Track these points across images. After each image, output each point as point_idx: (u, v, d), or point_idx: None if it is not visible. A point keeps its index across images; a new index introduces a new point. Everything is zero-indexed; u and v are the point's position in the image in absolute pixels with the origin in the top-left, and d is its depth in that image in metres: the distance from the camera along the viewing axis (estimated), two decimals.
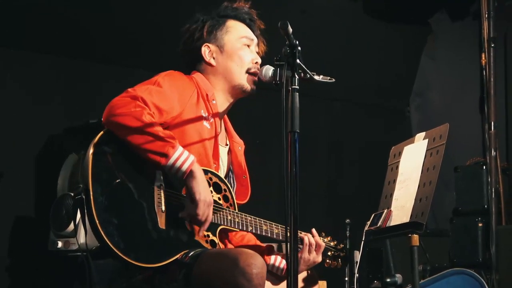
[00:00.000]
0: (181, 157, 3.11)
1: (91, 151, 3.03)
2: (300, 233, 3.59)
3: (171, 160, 3.10)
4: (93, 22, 5.22)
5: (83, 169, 3.03)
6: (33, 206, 5.03)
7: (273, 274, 3.66)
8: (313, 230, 3.64)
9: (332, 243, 3.77)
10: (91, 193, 2.97)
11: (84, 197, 2.98)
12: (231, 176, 3.61)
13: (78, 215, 3.06)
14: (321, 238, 3.66)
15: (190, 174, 3.13)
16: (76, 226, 3.34)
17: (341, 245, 3.80)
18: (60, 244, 4.51)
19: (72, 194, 3.10)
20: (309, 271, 3.69)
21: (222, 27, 3.57)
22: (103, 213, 2.97)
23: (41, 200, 4.99)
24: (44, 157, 5.06)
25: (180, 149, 3.13)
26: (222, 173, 3.51)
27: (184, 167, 3.12)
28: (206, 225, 3.18)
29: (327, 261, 3.76)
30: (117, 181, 3.07)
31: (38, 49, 5.18)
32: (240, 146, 3.66)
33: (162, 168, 3.14)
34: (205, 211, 3.15)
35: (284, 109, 2.87)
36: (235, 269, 2.93)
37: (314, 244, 3.59)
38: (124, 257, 2.96)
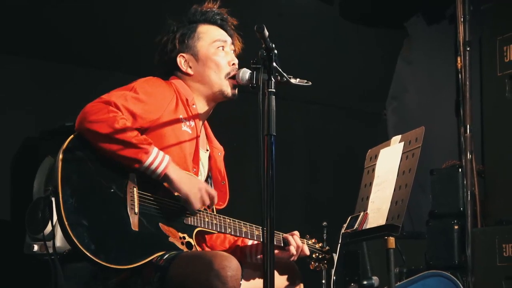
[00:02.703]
0: (155, 161, 3.13)
1: (60, 156, 3.02)
2: (281, 234, 3.56)
3: (145, 165, 3.11)
4: (69, 24, 5.20)
5: (53, 172, 3.02)
6: (9, 209, 4.99)
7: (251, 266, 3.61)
8: (296, 232, 3.61)
9: (317, 245, 3.73)
10: (60, 195, 2.96)
11: (53, 199, 2.97)
12: (209, 182, 3.60)
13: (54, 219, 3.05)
14: (306, 240, 3.66)
15: (165, 177, 3.16)
16: (52, 228, 3.34)
17: (327, 248, 3.76)
18: (36, 247, 4.48)
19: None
20: (293, 268, 3.65)
21: (193, 34, 3.54)
22: (73, 215, 2.96)
23: (17, 203, 4.96)
24: (20, 160, 5.03)
25: (154, 152, 3.13)
26: (202, 177, 3.51)
27: (159, 170, 3.14)
28: (214, 202, 3.34)
29: (312, 263, 3.73)
30: (88, 183, 3.06)
31: (13, 51, 5.15)
32: (219, 152, 3.66)
33: (137, 171, 3.15)
34: (198, 200, 3.23)
35: (261, 112, 2.88)
36: (210, 272, 2.93)
37: (300, 246, 3.57)
38: (94, 258, 2.96)
